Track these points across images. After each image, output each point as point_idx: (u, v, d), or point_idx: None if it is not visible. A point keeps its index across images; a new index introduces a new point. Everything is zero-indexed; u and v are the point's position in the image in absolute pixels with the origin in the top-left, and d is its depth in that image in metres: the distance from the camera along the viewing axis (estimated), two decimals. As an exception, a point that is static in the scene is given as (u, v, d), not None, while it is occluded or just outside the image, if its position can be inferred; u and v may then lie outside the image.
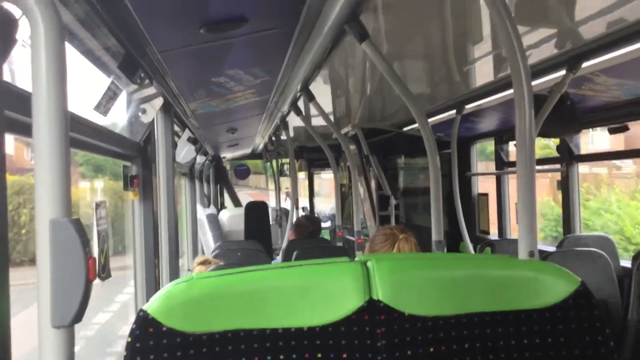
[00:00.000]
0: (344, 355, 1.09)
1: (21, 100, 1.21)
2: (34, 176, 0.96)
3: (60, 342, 0.95)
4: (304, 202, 9.96)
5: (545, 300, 1.14)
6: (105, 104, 1.96)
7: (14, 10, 1.09)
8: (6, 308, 0.99)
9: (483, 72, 3.61)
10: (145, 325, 1.04)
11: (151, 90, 2.68)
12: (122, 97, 2.34)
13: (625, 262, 3.78)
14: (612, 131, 4.09)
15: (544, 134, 3.20)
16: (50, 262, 0.94)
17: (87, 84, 2.02)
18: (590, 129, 4.93)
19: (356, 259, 1.16)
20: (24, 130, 1.16)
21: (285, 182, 10.09)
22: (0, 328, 0.97)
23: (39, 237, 0.94)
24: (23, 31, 1.12)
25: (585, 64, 2.90)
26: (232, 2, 1.84)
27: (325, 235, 8.28)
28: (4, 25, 1.06)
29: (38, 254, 0.95)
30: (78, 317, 0.95)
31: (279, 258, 5.45)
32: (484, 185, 6.35)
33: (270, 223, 7.17)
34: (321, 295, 1.09)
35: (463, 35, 2.83)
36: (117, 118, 2.53)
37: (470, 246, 4.80)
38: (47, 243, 0.94)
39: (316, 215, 9.52)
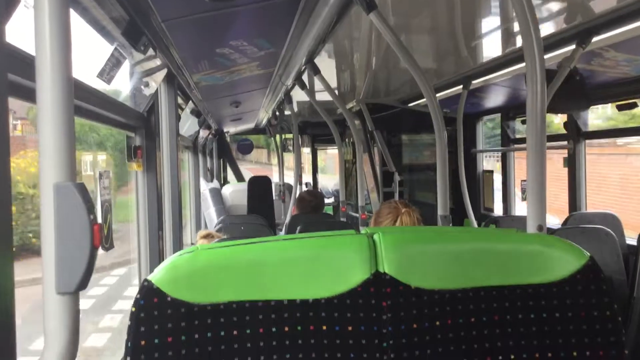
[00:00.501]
0: (349, 328, 1.08)
1: (25, 64, 1.19)
2: (38, 141, 0.95)
3: (65, 309, 0.94)
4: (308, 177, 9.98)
5: (553, 275, 1.13)
6: (108, 72, 1.93)
7: (16, -29, 1.06)
8: (10, 290, 0.98)
9: (491, 47, 3.58)
10: (149, 295, 1.04)
11: (155, 61, 2.65)
12: (126, 68, 2.31)
13: (631, 240, 3.77)
14: (620, 108, 4.05)
15: (552, 109, 3.17)
16: (54, 227, 0.93)
17: (91, 52, 2.00)
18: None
19: (362, 231, 1.15)
20: (28, 94, 1.15)
21: (288, 159, 10.09)
22: (4, 317, 0.97)
23: (43, 201, 0.93)
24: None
25: (595, 39, 2.86)
26: (239, -31, 1.81)
27: (329, 211, 8.30)
28: (5, -15, 1.04)
29: (42, 219, 0.94)
30: (83, 283, 0.94)
31: (282, 233, 5.46)
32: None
33: (274, 198, 7.17)
34: (327, 267, 1.08)
35: (472, 8, 2.80)
36: (121, 88, 2.51)
37: (475, 223, 4.80)
38: (51, 208, 0.93)
39: (319, 190, 9.53)
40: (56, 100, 0.93)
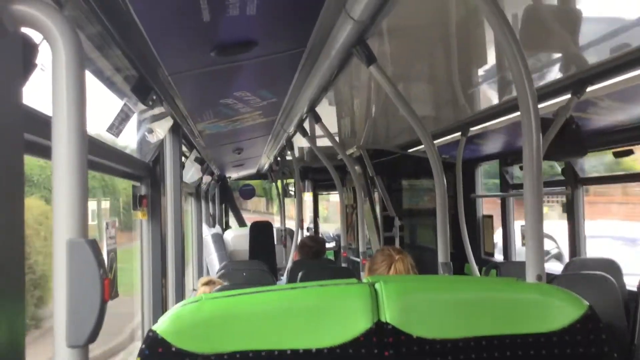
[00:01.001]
0: None
1: (40, 124, 1.24)
2: (52, 197, 0.98)
3: None
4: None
5: (553, 324, 1.15)
6: (117, 126, 1.99)
7: (34, 35, 1.12)
8: (22, 309, 1.00)
9: (488, 95, 3.64)
10: (154, 345, 1.05)
11: (161, 113, 2.71)
12: (133, 120, 2.37)
13: (631, 287, 3.76)
14: (617, 155, 4.10)
15: (549, 156, 3.21)
16: (66, 282, 0.95)
17: (100, 106, 2.05)
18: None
19: (364, 280, 1.17)
20: (43, 152, 1.19)
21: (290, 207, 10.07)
22: (15, 336, 0.99)
23: (55, 257, 0.96)
24: (42, 56, 1.15)
25: (589, 88, 2.91)
26: (243, 26, 1.87)
27: (330, 255, 8.27)
28: (24, 50, 1.09)
29: (54, 274, 0.96)
30: (93, 336, 0.96)
31: (283, 278, 5.44)
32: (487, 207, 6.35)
33: (275, 243, 7.16)
34: (329, 317, 1.10)
35: (468, 59, 2.86)
36: (128, 139, 2.56)
37: (476, 268, 4.79)
38: (64, 263, 0.95)
39: (321, 236, 9.51)
40: (71, 158, 0.97)
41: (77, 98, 0.99)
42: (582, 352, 1.14)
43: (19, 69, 1.06)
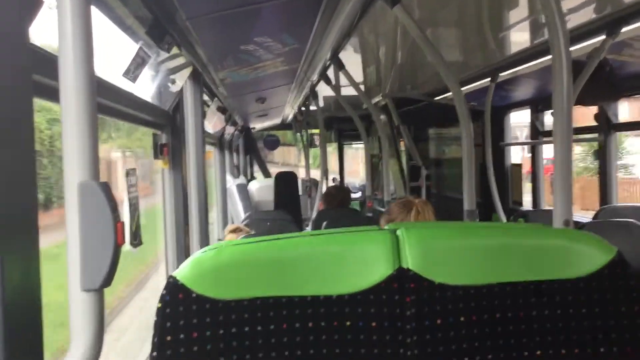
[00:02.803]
0: (373, 324, 1.08)
1: (48, 64, 1.21)
2: (62, 140, 0.96)
3: (90, 305, 0.96)
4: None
5: (580, 270, 1.11)
6: (133, 70, 1.96)
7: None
8: (38, 288, 1.00)
9: (519, 38, 3.52)
10: (175, 291, 1.05)
11: (180, 59, 2.67)
12: (152, 66, 2.34)
13: (664, 234, 3.68)
14: (652, 99, 3.96)
15: (581, 101, 3.11)
16: (79, 226, 0.94)
17: (117, 52, 2.02)
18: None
19: (385, 227, 1.15)
20: (52, 94, 1.16)
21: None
22: (32, 291, 0.99)
23: (67, 200, 0.95)
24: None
25: (625, 29, 2.81)
26: (261, -34, 1.81)
27: (355, 206, 8.29)
28: (29, -13, 1.05)
29: (67, 218, 0.95)
30: (107, 280, 0.95)
31: (308, 228, 5.47)
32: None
33: (300, 194, 7.19)
34: (350, 263, 1.08)
35: (498, 0, 2.76)
36: (147, 86, 2.54)
37: (503, 217, 4.75)
38: (76, 206, 0.94)
39: (346, 185, 9.52)
40: (79, 99, 0.95)
41: (83, 36, 0.96)
42: (609, 298, 1.11)
43: (25, 6, 1.02)
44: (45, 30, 1.19)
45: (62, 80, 0.95)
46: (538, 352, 1.09)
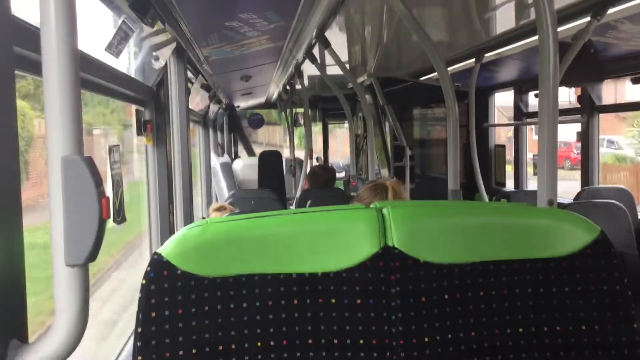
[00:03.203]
0: (358, 301, 1.08)
1: (31, 36, 1.18)
2: (45, 114, 0.95)
3: (75, 281, 0.95)
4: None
5: (563, 249, 1.13)
6: (117, 45, 1.92)
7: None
8: (21, 263, 0.99)
9: (504, 19, 3.52)
10: (159, 267, 1.04)
11: (164, 35, 2.63)
12: (135, 41, 2.30)
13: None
14: (635, 81, 3.99)
15: (565, 82, 3.13)
16: (62, 201, 0.93)
17: (100, 26, 1.98)
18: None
19: (371, 205, 1.15)
20: (34, 67, 1.14)
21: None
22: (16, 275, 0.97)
23: (51, 175, 0.93)
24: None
25: (610, 10, 2.81)
26: (247, -60, 1.78)
27: (340, 185, 8.30)
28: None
29: (50, 193, 0.94)
30: (92, 255, 0.94)
31: (292, 207, 5.47)
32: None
33: (284, 173, 7.17)
34: (336, 241, 1.09)
35: (485, -21, 2.75)
36: (130, 62, 2.50)
37: (486, 197, 4.78)
38: (59, 181, 0.93)
39: (330, 165, 9.52)
40: (62, 73, 0.93)
41: (66, 8, 0.94)
42: (592, 277, 1.13)
43: (5, -24, 1.00)
44: (27, 2, 1.16)
45: (45, 54, 0.93)
46: (520, 330, 1.11)
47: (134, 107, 2.67)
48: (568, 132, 5.68)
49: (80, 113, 0.94)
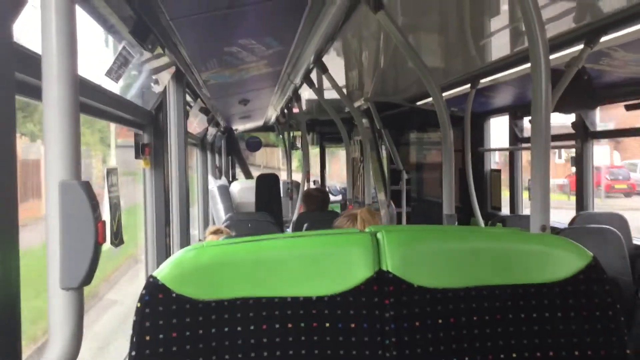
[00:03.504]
0: (352, 325, 1.09)
1: (31, 63, 1.20)
2: (44, 139, 0.96)
3: (70, 303, 0.95)
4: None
5: (556, 275, 1.13)
6: (116, 70, 1.95)
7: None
8: (16, 286, 0.99)
9: (499, 46, 3.56)
10: (154, 291, 1.05)
11: (163, 59, 2.66)
12: (135, 66, 2.33)
13: (638, 240, 3.75)
14: (628, 108, 4.02)
15: (559, 109, 3.16)
16: (59, 224, 0.94)
17: (100, 51, 2.01)
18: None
19: (366, 230, 1.16)
20: (34, 93, 1.16)
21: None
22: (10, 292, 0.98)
23: (48, 199, 0.94)
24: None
25: (603, 39, 2.84)
26: (246, -32, 1.81)
27: (336, 209, 8.29)
28: (13, -15, 1.05)
29: (47, 216, 0.95)
30: (87, 279, 0.95)
31: (289, 230, 5.46)
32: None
33: (281, 196, 7.17)
34: (330, 265, 1.09)
35: (479, 8, 2.79)
36: (130, 86, 2.52)
37: (482, 221, 4.79)
38: (57, 205, 0.94)
39: (327, 188, 9.53)
40: (62, 98, 0.94)
41: (67, 36, 0.96)
42: (584, 303, 1.13)
43: (8, 4, 1.02)
44: (29, 29, 1.19)
45: (45, 79, 0.95)
46: (514, 355, 1.11)
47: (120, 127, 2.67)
48: (604, 156, 5.68)
49: (79, 138, 0.96)
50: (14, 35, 1.03)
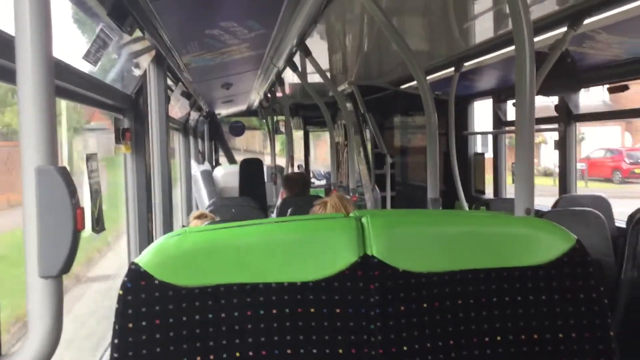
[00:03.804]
0: (337, 311, 1.08)
1: (5, 45, 1.17)
2: (19, 123, 0.93)
3: (49, 292, 0.93)
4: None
5: (540, 258, 1.13)
6: (94, 53, 1.91)
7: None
8: None
9: (483, 29, 3.56)
10: (137, 278, 1.03)
11: (143, 42, 2.62)
12: (113, 49, 2.29)
13: (620, 222, 3.80)
14: (611, 90, 4.05)
15: (543, 91, 3.16)
16: (36, 211, 0.92)
17: (77, 34, 1.96)
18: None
19: (350, 215, 1.15)
20: (9, 76, 1.13)
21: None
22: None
23: (24, 185, 0.92)
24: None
25: (587, 21, 2.85)
26: (226, -51, 1.78)
27: (321, 193, 8.31)
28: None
29: (24, 203, 0.93)
30: (66, 267, 0.93)
31: (273, 215, 5.46)
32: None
33: (265, 181, 7.16)
34: (315, 250, 1.08)
35: (464, -10, 2.78)
36: (109, 69, 2.48)
37: (466, 205, 4.82)
38: (33, 191, 0.92)
39: (312, 173, 9.55)
40: (36, 82, 0.92)
41: (41, 17, 0.93)
42: (568, 285, 1.14)
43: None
44: (2, 10, 1.15)
45: (19, 62, 0.92)
46: (498, 338, 1.11)
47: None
48: (613, 137, 5.70)
49: (55, 123, 0.94)
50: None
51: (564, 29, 2.93)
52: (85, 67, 1.95)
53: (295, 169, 8.79)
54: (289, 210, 4.08)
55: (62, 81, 1.72)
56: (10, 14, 0.94)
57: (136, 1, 2.06)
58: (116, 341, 1.03)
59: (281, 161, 8.51)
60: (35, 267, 0.92)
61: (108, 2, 1.80)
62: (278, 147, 9.79)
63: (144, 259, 1.05)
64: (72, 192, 0.93)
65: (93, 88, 2.10)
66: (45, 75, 0.93)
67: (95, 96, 2.18)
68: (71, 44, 1.83)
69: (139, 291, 1.03)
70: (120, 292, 1.03)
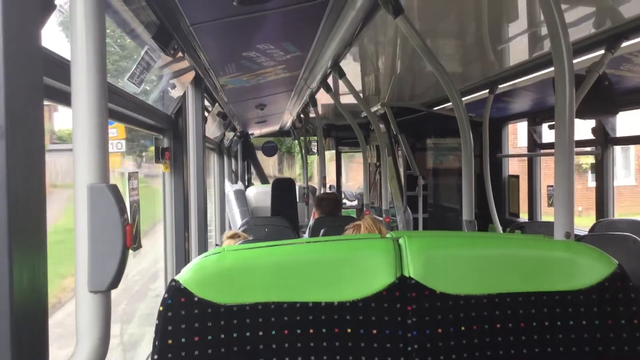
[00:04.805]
0: (374, 331, 1.08)
1: (60, 68, 1.22)
2: (73, 143, 0.97)
3: (97, 307, 0.96)
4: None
5: (580, 282, 1.12)
6: (139, 75, 1.96)
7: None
8: (44, 287, 1.00)
9: (518, 51, 3.54)
10: (177, 295, 1.05)
11: (183, 64, 2.68)
12: (155, 71, 2.35)
13: (659, 248, 3.70)
14: (649, 114, 3.98)
15: (579, 114, 3.12)
16: (88, 227, 0.95)
17: (121, 55, 2.03)
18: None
19: (387, 236, 1.15)
20: (62, 98, 1.17)
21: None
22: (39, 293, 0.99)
23: (76, 202, 0.95)
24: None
25: (624, 44, 2.82)
26: (266, -25, 1.82)
27: (352, 214, 8.29)
28: (42, -9, 1.06)
29: (76, 219, 0.96)
30: (115, 282, 0.95)
31: (305, 235, 5.47)
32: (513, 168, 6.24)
33: (297, 201, 7.18)
34: (352, 270, 1.09)
35: (498, 13, 2.77)
36: (150, 91, 2.55)
37: (500, 228, 4.75)
38: (85, 208, 0.95)
39: (343, 194, 9.55)
40: (91, 104, 0.96)
41: (96, 42, 0.97)
42: (609, 311, 1.12)
43: (36, 9, 1.03)
44: (56, 34, 1.20)
45: (74, 85, 0.96)
46: None
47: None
48: None
49: (107, 142, 0.97)
50: (41, 40, 1.05)
51: (602, 51, 2.90)
52: (130, 89, 2.01)
53: (328, 190, 8.81)
54: (322, 231, 4.08)
55: (111, 102, 1.78)
56: (66, 40, 0.98)
57: (178, 25, 2.12)
58: (156, 357, 1.04)
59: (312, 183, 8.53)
60: (85, 282, 0.95)
61: (153, 25, 1.86)
62: (297, 170, 9.81)
63: (184, 277, 1.07)
64: (122, 209, 0.96)
65: (137, 109, 2.16)
66: (99, 97, 0.96)
67: (138, 117, 2.24)
68: (116, 66, 1.89)
69: (179, 308, 1.05)
70: (161, 309, 1.05)
